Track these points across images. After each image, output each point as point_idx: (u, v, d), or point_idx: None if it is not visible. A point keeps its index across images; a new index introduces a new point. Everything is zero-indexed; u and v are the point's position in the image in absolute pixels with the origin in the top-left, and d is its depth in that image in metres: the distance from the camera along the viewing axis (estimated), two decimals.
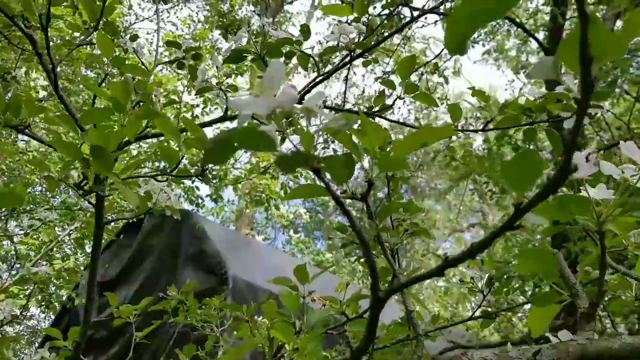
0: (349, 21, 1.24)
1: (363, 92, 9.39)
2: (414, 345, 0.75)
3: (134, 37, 1.57)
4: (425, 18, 5.48)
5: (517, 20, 6.11)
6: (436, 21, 5.29)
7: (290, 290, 1.23)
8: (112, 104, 0.94)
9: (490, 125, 1.23)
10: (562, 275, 0.63)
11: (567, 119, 1.12)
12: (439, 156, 9.09)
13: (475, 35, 7.47)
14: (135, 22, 9.41)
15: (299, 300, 1.21)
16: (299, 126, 0.50)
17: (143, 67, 1.48)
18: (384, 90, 1.24)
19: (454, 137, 7.94)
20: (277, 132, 0.44)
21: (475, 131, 1.24)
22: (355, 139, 0.62)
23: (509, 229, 0.39)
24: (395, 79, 1.26)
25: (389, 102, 1.34)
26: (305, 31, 1.27)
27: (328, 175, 0.54)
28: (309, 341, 1.03)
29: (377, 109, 1.24)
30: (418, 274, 0.43)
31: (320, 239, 15.08)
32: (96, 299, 4.22)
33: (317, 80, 1.27)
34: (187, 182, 7.28)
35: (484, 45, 8.37)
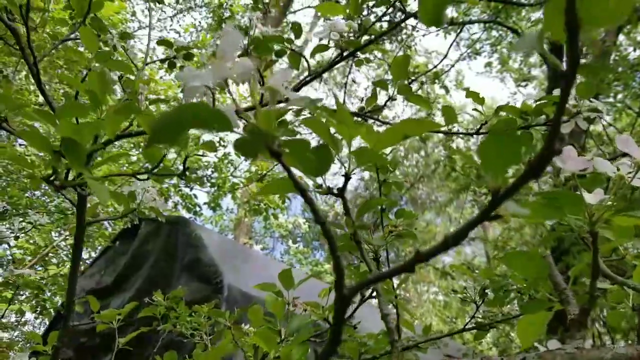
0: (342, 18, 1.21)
1: (362, 101, 9.37)
2: (393, 353, 0.70)
3: (125, 35, 1.54)
4: (427, 27, 5.45)
5: (520, 31, 6.08)
6: (438, 31, 5.26)
7: (275, 297, 1.18)
8: (88, 97, 0.90)
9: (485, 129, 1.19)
10: (552, 280, 0.59)
11: (566, 122, 1.08)
12: (440, 168, 9.05)
13: (478, 46, 7.45)
14: (137, 30, 9.42)
15: (284, 307, 1.16)
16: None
17: (132, 64, 1.44)
18: (375, 90, 1.20)
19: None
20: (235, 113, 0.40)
21: (470, 134, 1.20)
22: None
23: (486, 219, 0.35)
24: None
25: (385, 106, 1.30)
26: (297, 29, 1.24)
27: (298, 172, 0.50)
28: (291, 349, 0.99)
29: (369, 109, 1.20)
30: (389, 269, 0.39)
31: (319, 249, 15.00)
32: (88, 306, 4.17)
33: (308, 79, 1.24)
34: (186, 190, 7.23)
35: (487, 57, 8.34)
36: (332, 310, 1.05)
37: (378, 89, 1.21)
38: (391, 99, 1.18)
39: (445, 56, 5.63)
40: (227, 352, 1.05)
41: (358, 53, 1.22)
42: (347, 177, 0.56)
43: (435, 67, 3.97)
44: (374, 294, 1.01)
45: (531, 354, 0.47)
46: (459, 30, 5.76)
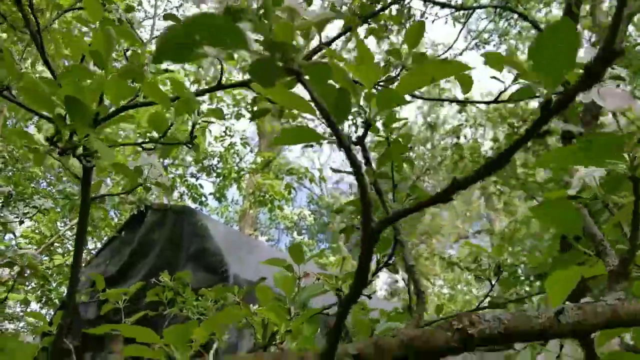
0: None
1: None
2: (416, 303, 0.67)
3: (130, 8, 1.50)
4: (437, 14, 5.41)
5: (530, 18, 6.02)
6: (447, 16, 5.21)
7: (285, 272, 1.15)
8: (93, 58, 0.86)
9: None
10: (588, 232, 0.55)
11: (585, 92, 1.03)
12: (446, 160, 8.99)
13: (487, 36, 7.38)
14: (144, 20, 9.40)
15: (294, 283, 1.13)
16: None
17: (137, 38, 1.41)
18: (389, 60, 1.17)
19: (462, 140, 7.86)
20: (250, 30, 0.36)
21: (487, 102, 1.16)
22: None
23: (534, 136, 0.31)
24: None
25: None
26: None
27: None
28: (302, 322, 0.95)
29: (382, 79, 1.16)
30: (413, 204, 0.35)
31: (324, 241, 14.98)
32: (94, 294, 4.16)
33: (320, 46, 1.20)
34: (191, 180, 7.20)
35: (495, 47, 8.25)
36: (348, 280, 1.01)
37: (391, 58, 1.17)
38: (404, 68, 1.14)
39: (452, 45, 5.57)
40: (234, 320, 1.02)
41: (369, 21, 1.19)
42: (368, 124, 0.52)
43: (440, 56, 3.95)
44: (390, 261, 0.98)
45: (570, 304, 0.43)
46: (467, 16, 5.68)
